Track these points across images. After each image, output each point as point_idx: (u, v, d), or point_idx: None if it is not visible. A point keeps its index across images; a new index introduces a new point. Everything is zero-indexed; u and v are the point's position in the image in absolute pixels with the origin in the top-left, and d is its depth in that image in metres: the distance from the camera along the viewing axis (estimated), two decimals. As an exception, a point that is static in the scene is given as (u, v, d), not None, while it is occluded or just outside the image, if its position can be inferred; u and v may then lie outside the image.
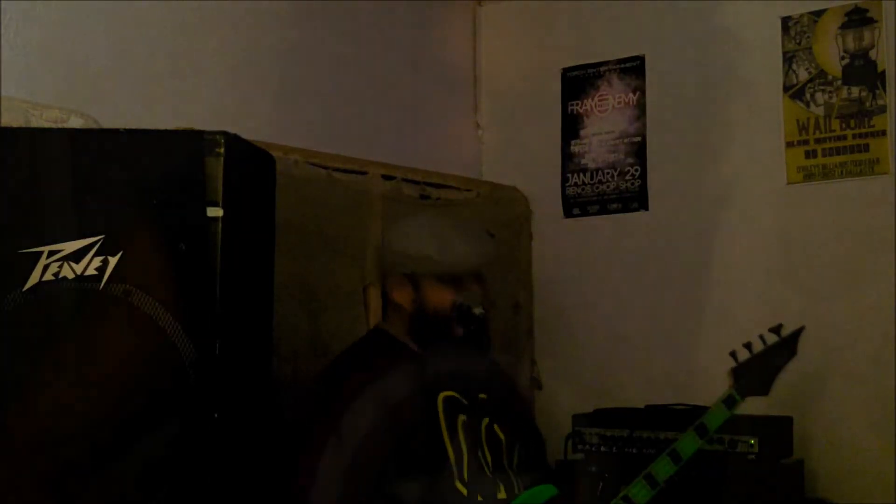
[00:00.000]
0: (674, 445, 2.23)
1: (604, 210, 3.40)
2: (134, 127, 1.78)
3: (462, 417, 2.08)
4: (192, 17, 2.62)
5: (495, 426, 2.14)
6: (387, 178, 2.95)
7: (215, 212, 1.66)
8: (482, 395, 2.15)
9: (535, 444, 2.32)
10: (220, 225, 1.66)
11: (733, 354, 2.33)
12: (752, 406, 2.53)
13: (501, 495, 2.06)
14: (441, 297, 2.11)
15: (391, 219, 2.78)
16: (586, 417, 2.81)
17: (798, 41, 3.06)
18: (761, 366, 2.34)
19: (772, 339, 2.36)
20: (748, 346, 2.33)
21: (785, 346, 2.37)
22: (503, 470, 2.11)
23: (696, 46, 3.24)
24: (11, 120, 2.07)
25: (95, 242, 1.64)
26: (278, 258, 1.98)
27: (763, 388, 2.34)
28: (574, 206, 3.47)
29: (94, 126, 2.23)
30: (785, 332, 2.40)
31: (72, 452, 1.59)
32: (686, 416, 2.43)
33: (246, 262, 1.78)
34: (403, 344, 2.14)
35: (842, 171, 2.97)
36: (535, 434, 2.37)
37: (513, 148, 3.62)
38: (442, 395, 2.06)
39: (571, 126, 3.50)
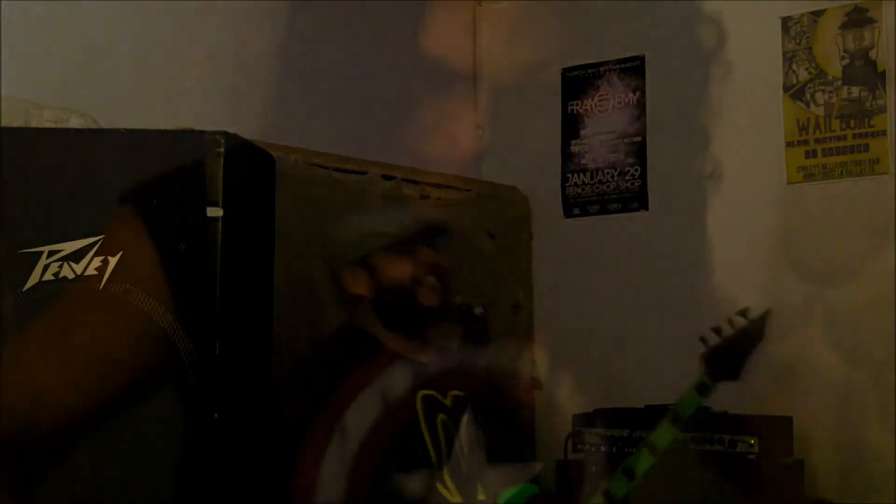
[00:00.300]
0: (650, 437, 2.21)
1: (604, 210, 3.40)
2: (134, 127, 1.78)
3: (441, 416, 2.03)
4: (191, 17, 2.63)
5: (476, 425, 2.10)
6: (387, 178, 2.95)
7: (215, 212, 1.66)
8: (461, 393, 2.11)
9: (519, 443, 2.29)
10: (220, 225, 1.66)
11: (703, 340, 2.31)
12: (753, 406, 2.54)
13: (481, 496, 2.03)
14: (397, 269, 2.06)
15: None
16: (586, 417, 2.81)
17: (798, 41, 3.06)
18: (731, 350, 2.31)
19: (740, 322, 2.34)
20: (717, 330, 2.31)
21: (753, 330, 2.35)
22: (485, 470, 2.08)
23: (696, 46, 3.24)
24: (11, 120, 2.07)
25: (95, 242, 1.64)
26: (278, 258, 1.98)
27: (733, 373, 2.30)
28: (574, 206, 3.47)
29: (94, 126, 2.23)
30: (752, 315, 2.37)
31: (71, 452, 1.59)
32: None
33: (246, 262, 1.78)
34: (378, 341, 2.07)
35: (842, 171, 2.97)
36: (519, 432, 2.34)
37: (513, 148, 3.62)
38: (420, 393, 2.02)
39: (571, 126, 3.50)
